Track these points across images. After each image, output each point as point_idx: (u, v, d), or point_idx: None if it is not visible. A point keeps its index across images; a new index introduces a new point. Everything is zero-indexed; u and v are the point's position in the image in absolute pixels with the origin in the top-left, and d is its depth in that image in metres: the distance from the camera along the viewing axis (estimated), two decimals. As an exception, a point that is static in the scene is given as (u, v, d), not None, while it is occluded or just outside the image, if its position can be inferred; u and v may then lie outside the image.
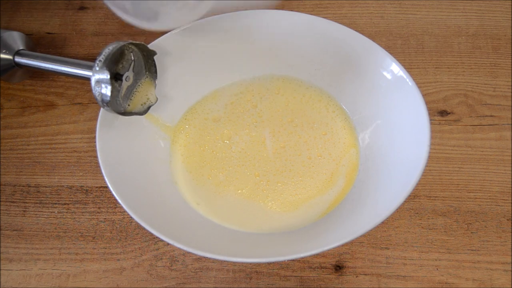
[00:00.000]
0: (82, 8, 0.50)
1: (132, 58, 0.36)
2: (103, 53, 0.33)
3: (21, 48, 0.42)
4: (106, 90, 0.33)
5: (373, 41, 0.36)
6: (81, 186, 0.40)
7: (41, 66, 0.40)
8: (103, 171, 0.32)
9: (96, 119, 0.35)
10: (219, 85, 0.42)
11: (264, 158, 0.39)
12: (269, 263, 0.36)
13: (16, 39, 0.42)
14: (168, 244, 0.37)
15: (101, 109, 0.35)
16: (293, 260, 0.36)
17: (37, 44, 0.47)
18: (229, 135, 0.40)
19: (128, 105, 0.36)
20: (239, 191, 0.37)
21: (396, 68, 0.35)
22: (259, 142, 0.39)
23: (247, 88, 0.42)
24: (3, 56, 0.41)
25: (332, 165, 0.38)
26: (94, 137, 0.34)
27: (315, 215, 0.36)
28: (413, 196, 0.38)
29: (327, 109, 0.40)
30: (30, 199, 0.40)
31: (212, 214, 0.36)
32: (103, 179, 0.32)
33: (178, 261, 0.37)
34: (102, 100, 0.33)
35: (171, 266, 0.36)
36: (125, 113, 0.35)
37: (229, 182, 0.38)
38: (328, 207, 0.36)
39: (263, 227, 0.36)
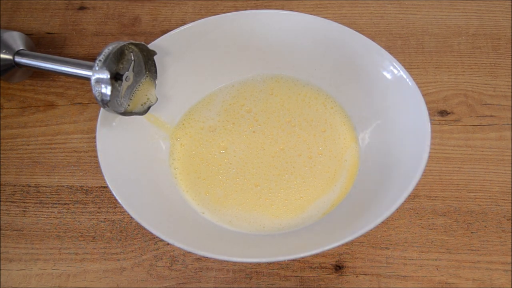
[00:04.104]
0: (82, 8, 0.50)
1: (132, 58, 0.36)
2: (103, 53, 0.33)
3: (21, 48, 0.42)
4: (106, 90, 0.33)
5: (373, 41, 0.36)
6: (81, 186, 0.40)
7: (41, 66, 0.40)
8: (103, 171, 0.32)
9: (96, 119, 0.35)
10: (217, 86, 0.42)
11: (263, 164, 0.38)
12: (269, 263, 0.36)
13: (16, 39, 0.42)
14: (168, 244, 0.37)
15: (101, 109, 0.35)
16: (293, 260, 0.36)
17: (37, 44, 0.47)
18: (225, 146, 0.39)
19: (128, 105, 0.36)
20: (241, 205, 0.36)
21: (396, 68, 0.35)
22: (257, 148, 0.39)
23: (239, 91, 0.41)
24: (3, 56, 0.41)
25: (334, 162, 0.38)
26: (94, 137, 0.34)
27: (320, 214, 0.36)
28: (413, 196, 0.38)
29: (324, 106, 0.40)
30: (30, 199, 0.40)
31: (217, 221, 0.36)
32: (103, 179, 0.32)
33: (178, 261, 0.37)
34: (102, 100, 0.33)
35: (171, 266, 0.36)
36: (125, 113, 0.35)
37: (229, 197, 0.37)
38: (332, 204, 0.36)
39: (269, 230, 0.35)
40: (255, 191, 0.37)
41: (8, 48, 0.41)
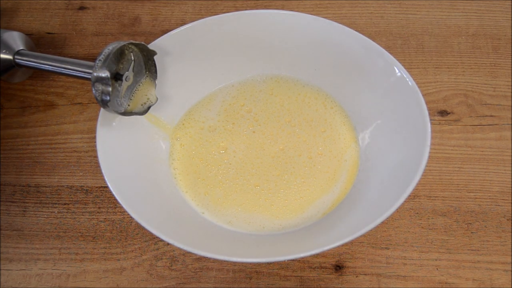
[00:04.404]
0: (82, 8, 0.50)
1: (132, 58, 0.36)
2: (103, 53, 0.33)
3: (21, 48, 0.42)
4: (106, 90, 0.33)
5: (373, 41, 0.36)
6: (81, 186, 0.40)
7: (41, 66, 0.40)
8: (103, 171, 0.32)
9: (96, 119, 0.35)
10: (217, 86, 0.42)
11: (263, 165, 0.38)
12: (269, 263, 0.36)
13: (16, 39, 0.42)
14: (168, 244, 0.37)
15: (101, 109, 0.35)
16: (293, 260, 0.36)
17: (37, 44, 0.47)
18: (225, 146, 0.39)
19: (128, 105, 0.36)
20: (241, 206, 0.36)
21: (396, 68, 0.35)
22: (257, 149, 0.39)
23: (239, 91, 0.41)
24: (3, 56, 0.41)
25: (334, 162, 0.38)
26: (94, 137, 0.34)
27: (320, 214, 0.36)
28: (413, 196, 0.38)
29: (324, 106, 0.40)
30: (30, 199, 0.40)
31: (217, 221, 0.36)
32: (103, 179, 0.32)
33: (178, 261, 0.37)
34: (102, 100, 0.33)
35: (171, 266, 0.36)
36: (125, 113, 0.35)
37: (228, 197, 0.37)
38: (332, 204, 0.36)
39: (269, 230, 0.35)
40: (255, 191, 0.37)
41: (8, 48, 0.41)
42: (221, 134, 0.40)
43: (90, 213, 0.39)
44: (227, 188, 0.37)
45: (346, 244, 0.35)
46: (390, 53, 0.36)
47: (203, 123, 0.40)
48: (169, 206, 0.36)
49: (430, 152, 0.31)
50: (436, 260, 0.36)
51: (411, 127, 0.34)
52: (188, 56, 0.39)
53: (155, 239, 0.37)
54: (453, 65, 0.45)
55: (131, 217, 0.31)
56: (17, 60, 0.41)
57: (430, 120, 0.33)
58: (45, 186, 0.40)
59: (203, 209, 0.36)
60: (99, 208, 0.39)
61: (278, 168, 0.38)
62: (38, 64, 0.40)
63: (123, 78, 0.35)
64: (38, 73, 0.46)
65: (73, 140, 0.42)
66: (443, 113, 0.42)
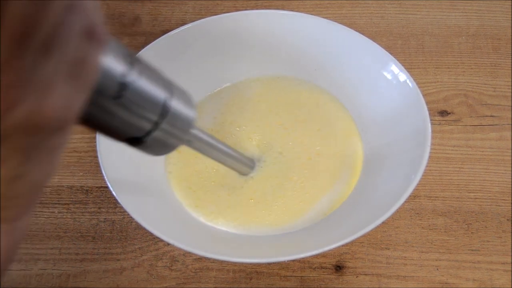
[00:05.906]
0: (82, 8, 0.50)
1: None
2: None
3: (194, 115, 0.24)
4: None
5: (373, 41, 0.36)
6: (81, 186, 0.40)
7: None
8: (103, 171, 0.32)
9: (96, 119, 0.34)
10: (217, 87, 0.42)
11: (260, 175, 0.37)
12: (269, 263, 0.36)
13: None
14: (168, 244, 0.37)
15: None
16: (293, 260, 0.36)
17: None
18: None
19: None
20: (234, 222, 0.35)
21: (396, 69, 0.35)
22: (256, 153, 0.38)
23: (240, 92, 0.41)
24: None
25: (336, 163, 0.37)
26: (94, 137, 0.34)
27: (321, 216, 0.35)
28: (413, 196, 0.38)
29: (325, 106, 0.40)
30: (30, 199, 0.40)
31: (214, 223, 0.36)
32: (103, 179, 0.32)
33: (178, 261, 0.37)
34: None
35: (171, 266, 0.36)
36: None
37: (224, 212, 0.35)
38: (332, 206, 0.35)
39: (268, 233, 0.35)
40: (250, 204, 0.36)
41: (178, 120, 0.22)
42: (220, 137, 0.39)
43: (90, 213, 0.39)
44: (221, 203, 0.36)
45: (346, 245, 0.35)
46: (390, 53, 0.36)
47: (203, 125, 0.40)
48: (169, 206, 0.36)
49: (430, 152, 0.31)
50: (436, 260, 0.36)
51: (411, 127, 0.34)
52: (188, 56, 0.39)
53: (155, 239, 0.37)
54: (453, 65, 0.45)
55: (131, 217, 0.31)
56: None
57: (430, 120, 0.33)
58: (45, 186, 0.40)
59: (199, 214, 0.36)
60: (99, 208, 0.39)
61: (278, 177, 0.37)
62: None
63: None
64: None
65: (73, 140, 0.42)
66: (443, 113, 0.42)
